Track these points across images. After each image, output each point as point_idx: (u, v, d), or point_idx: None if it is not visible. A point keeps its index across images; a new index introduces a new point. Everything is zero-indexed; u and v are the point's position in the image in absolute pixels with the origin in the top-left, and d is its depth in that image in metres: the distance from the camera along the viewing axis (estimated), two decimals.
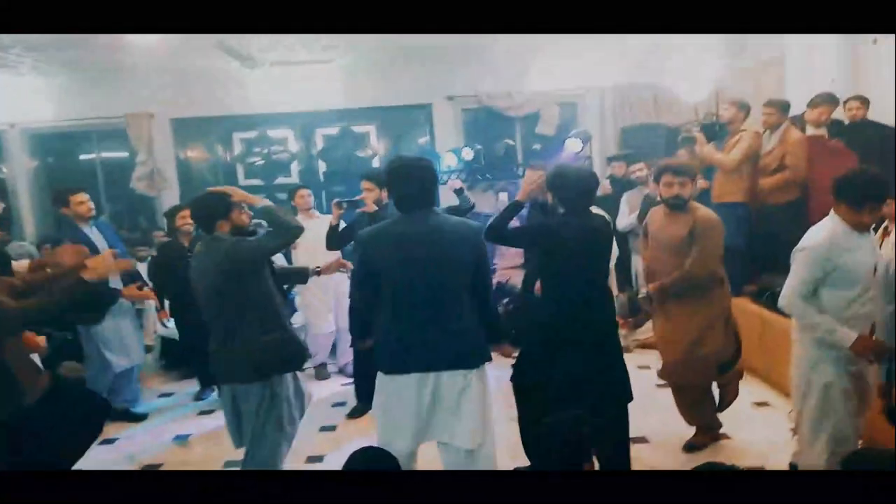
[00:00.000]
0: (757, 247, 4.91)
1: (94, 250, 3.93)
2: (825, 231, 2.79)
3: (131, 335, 4.45)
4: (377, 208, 4.00)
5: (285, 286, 5.59)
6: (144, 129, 7.07)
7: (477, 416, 2.57)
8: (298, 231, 2.85)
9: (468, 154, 6.40)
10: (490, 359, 2.66)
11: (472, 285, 2.59)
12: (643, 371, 4.64)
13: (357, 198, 4.11)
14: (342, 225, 4.13)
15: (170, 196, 7.19)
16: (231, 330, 2.78)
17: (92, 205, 4.29)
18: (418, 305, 2.50)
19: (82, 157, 7.64)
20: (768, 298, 4.44)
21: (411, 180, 2.56)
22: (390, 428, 2.55)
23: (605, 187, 5.87)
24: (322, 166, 7.51)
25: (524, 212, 4.13)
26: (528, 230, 3.59)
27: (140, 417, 4.46)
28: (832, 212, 2.84)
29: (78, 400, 2.84)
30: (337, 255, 4.29)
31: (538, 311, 3.19)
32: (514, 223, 3.20)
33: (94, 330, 4.20)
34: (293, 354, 2.93)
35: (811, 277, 2.76)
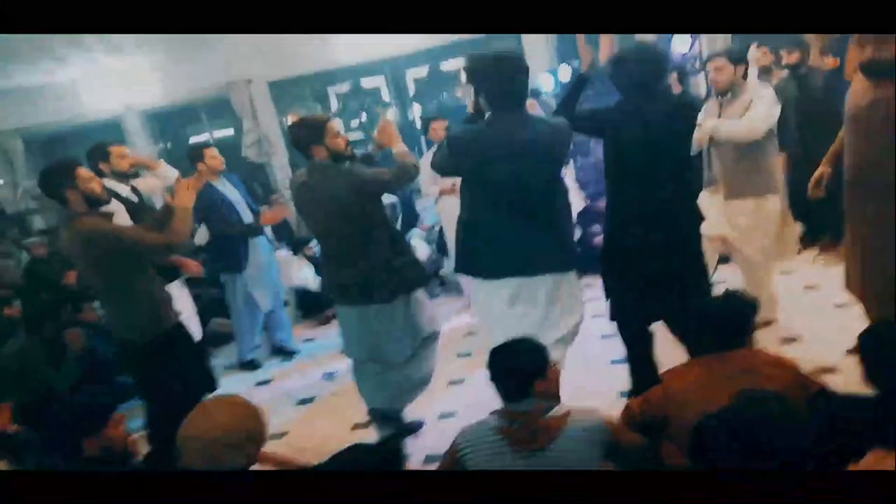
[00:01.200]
0: None
1: (227, 202, 4.43)
2: None
3: (274, 275, 4.74)
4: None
5: None
6: (245, 96, 7.33)
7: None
8: (417, 173, 2.92)
9: (565, 73, 6.18)
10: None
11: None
12: (809, 292, 4.22)
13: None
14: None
15: (279, 161, 7.48)
16: (362, 253, 2.81)
17: (223, 158, 4.54)
18: (513, 207, 2.47)
19: (195, 138, 8.09)
20: None
21: (498, 75, 2.44)
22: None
23: None
24: (418, 110, 7.54)
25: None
26: (594, 111, 2.90)
27: (292, 352, 4.86)
28: None
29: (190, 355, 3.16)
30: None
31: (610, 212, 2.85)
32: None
33: (238, 276, 4.53)
34: (422, 275, 3.05)
35: None
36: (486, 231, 2.53)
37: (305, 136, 2.82)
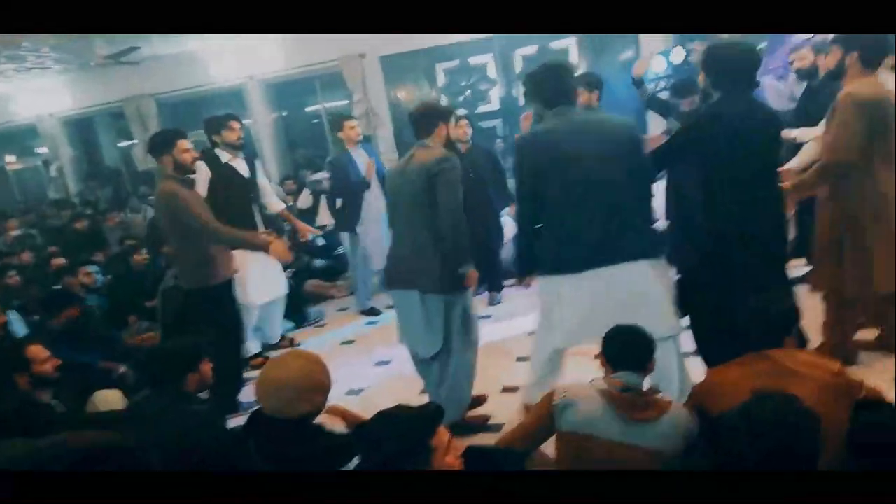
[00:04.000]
0: None
1: (353, 169, 4.88)
2: None
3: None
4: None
5: None
6: (358, 70, 7.58)
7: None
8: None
9: (678, 55, 5.91)
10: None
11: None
12: None
13: None
14: None
15: (385, 133, 7.69)
16: (430, 242, 2.82)
17: (360, 129, 5.00)
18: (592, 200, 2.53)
19: (309, 108, 8.50)
20: None
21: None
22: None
23: None
24: (522, 89, 7.46)
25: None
26: (680, 135, 2.69)
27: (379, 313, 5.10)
28: None
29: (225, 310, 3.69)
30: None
31: (703, 223, 2.70)
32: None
33: (361, 236, 4.92)
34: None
35: None
36: (569, 227, 2.52)
37: (435, 116, 2.92)
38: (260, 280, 4.30)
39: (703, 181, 2.62)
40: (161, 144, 3.41)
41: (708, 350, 2.70)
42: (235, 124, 4.25)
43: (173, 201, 3.36)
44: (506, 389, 3.43)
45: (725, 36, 3.08)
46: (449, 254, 2.79)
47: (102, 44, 6.84)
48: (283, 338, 4.71)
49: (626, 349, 2.02)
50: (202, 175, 4.08)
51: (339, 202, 5.07)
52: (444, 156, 2.81)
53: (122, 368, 3.81)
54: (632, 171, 2.51)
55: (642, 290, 2.50)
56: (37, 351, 2.84)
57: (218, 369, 2.61)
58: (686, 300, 2.69)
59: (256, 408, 2.03)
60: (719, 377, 2.02)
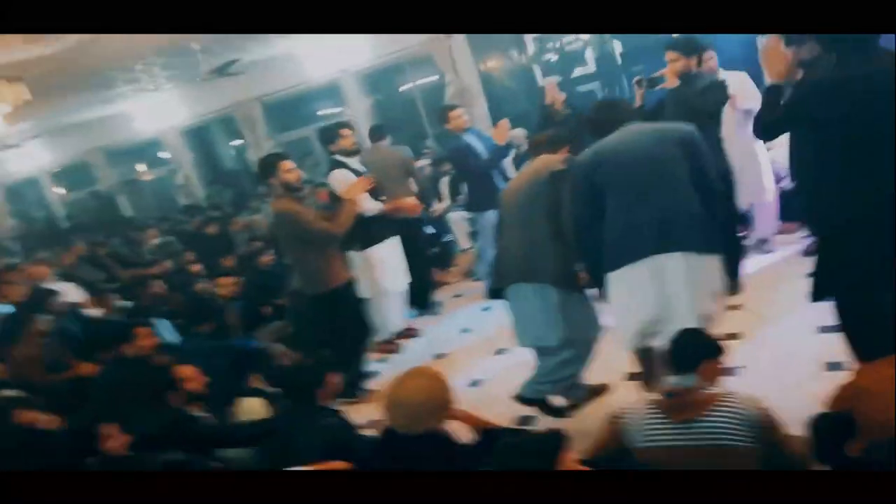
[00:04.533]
0: None
1: (473, 152, 4.78)
2: None
3: None
4: (680, 82, 3.65)
5: None
6: (446, 50, 7.59)
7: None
8: None
9: None
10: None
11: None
12: None
13: (658, 73, 3.76)
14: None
15: (479, 111, 7.67)
16: (549, 237, 2.89)
17: (464, 113, 4.90)
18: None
19: (403, 87, 8.62)
20: None
21: None
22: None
23: None
24: (618, 47, 7.18)
25: None
26: (800, 94, 2.29)
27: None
28: None
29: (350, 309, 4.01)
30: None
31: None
32: None
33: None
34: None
35: None
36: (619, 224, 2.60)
37: (558, 141, 3.12)
38: (394, 267, 4.47)
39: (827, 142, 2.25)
40: (266, 169, 3.71)
41: (857, 336, 2.39)
42: (346, 131, 4.35)
43: (287, 217, 3.65)
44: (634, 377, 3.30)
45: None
46: (567, 249, 2.85)
47: (205, 59, 7.20)
48: (408, 328, 4.82)
49: (677, 350, 2.07)
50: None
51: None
52: (568, 158, 2.96)
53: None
54: (690, 170, 2.55)
55: (680, 280, 2.49)
56: (185, 370, 3.00)
57: (345, 365, 2.72)
58: (827, 275, 2.39)
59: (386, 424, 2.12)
60: (869, 381, 1.86)
